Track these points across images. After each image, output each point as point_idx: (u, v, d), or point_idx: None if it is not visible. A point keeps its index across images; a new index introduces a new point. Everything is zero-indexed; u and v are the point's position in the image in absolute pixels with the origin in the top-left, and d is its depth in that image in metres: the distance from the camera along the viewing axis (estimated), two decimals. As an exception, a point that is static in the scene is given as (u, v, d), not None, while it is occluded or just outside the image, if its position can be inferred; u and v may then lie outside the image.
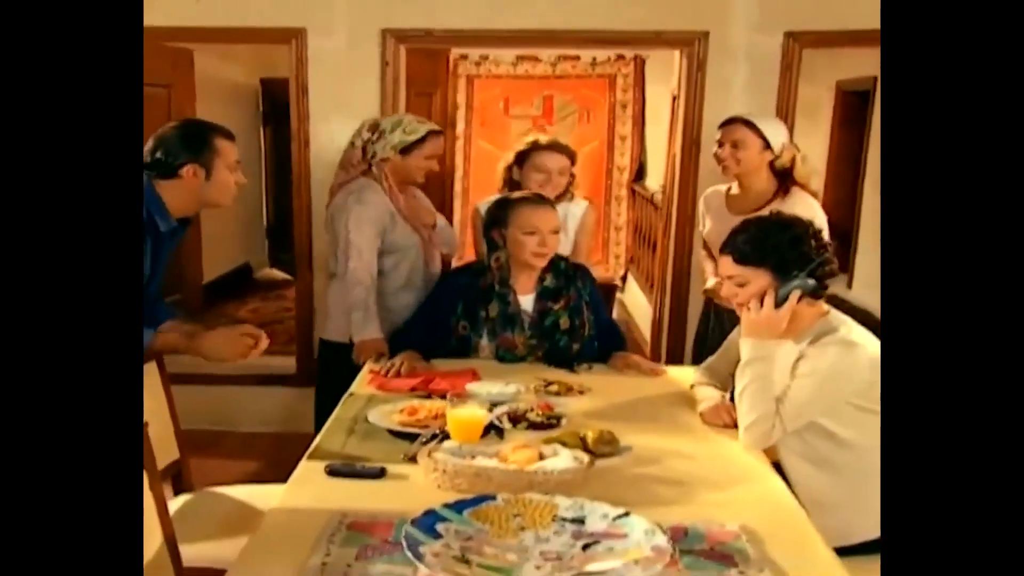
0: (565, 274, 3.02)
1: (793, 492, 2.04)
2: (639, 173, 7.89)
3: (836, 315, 2.34)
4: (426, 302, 3.16)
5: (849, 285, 7.06)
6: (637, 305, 6.69)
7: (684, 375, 2.82)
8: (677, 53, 4.63)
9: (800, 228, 2.30)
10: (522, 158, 3.51)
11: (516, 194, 3.15)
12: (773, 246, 2.25)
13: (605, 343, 3.05)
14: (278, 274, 7.54)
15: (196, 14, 4.21)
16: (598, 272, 7.57)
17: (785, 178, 3.29)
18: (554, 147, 3.52)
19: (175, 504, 2.52)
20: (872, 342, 2.24)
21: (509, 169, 3.57)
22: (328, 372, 3.36)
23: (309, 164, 4.28)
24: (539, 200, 3.03)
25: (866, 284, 6.87)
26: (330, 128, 4.17)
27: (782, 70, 4.11)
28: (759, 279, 2.26)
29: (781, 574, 1.59)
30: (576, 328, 2.97)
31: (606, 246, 8.01)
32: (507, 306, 2.97)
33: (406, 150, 3.22)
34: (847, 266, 7.07)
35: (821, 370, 2.20)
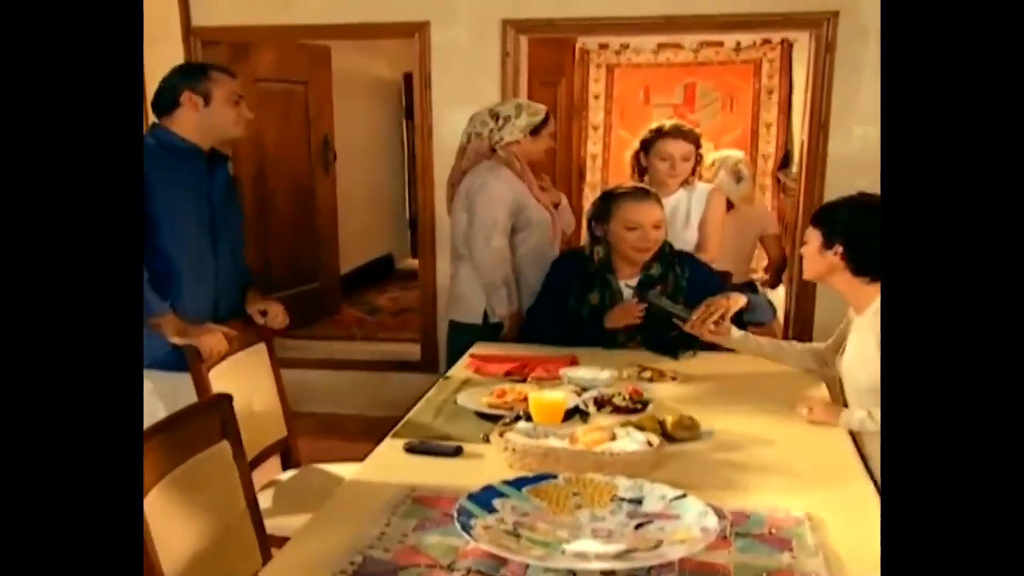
0: (667, 261, 3.00)
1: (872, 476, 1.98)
2: (785, 160, 7.66)
3: None
4: (542, 292, 3.19)
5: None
6: (775, 295, 6.50)
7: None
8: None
9: None
10: (647, 145, 3.57)
11: (621, 187, 3.16)
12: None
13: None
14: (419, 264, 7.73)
15: (326, 12, 4.38)
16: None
17: None
18: (677, 133, 3.54)
19: (280, 478, 2.65)
20: None
21: (636, 156, 3.64)
22: (460, 354, 3.41)
23: (432, 154, 4.38)
24: (642, 194, 3.04)
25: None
26: (453, 119, 4.23)
27: (916, 49, 3.92)
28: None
29: (835, 559, 1.55)
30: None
31: (749, 237, 7.82)
32: (608, 294, 3.00)
33: (535, 131, 3.30)
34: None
35: None
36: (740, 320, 2.81)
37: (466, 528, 1.54)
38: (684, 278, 2.99)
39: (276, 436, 2.67)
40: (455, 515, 1.58)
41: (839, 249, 2.31)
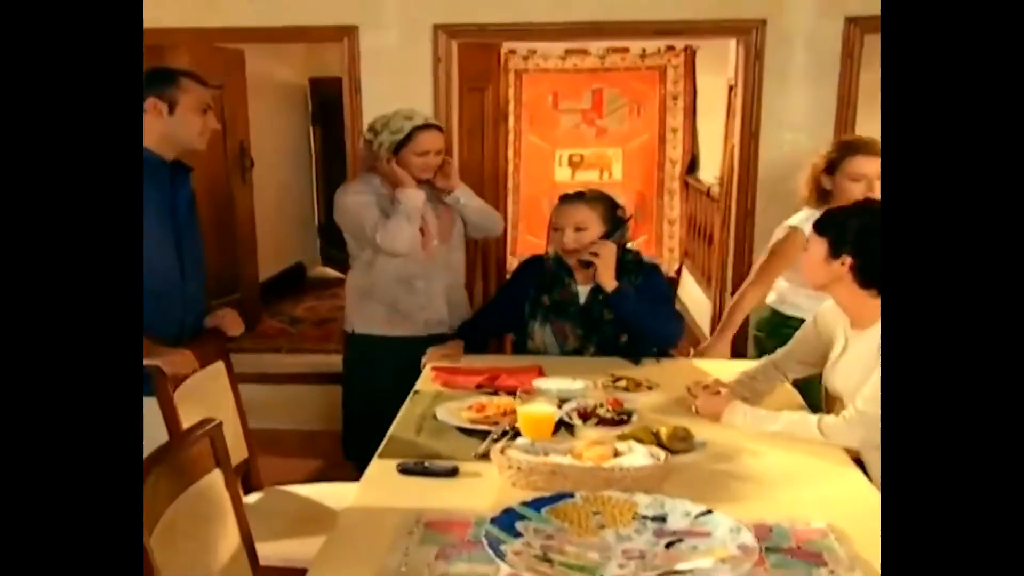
0: (625, 267, 2.99)
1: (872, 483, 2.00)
2: (691, 165, 7.80)
3: None
4: (502, 287, 3.25)
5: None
6: (693, 299, 6.61)
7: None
8: (733, 42, 4.55)
9: None
10: (834, 164, 3.07)
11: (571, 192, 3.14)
12: None
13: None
14: (331, 272, 7.57)
15: (249, 14, 4.22)
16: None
17: None
18: (871, 149, 3.02)
19: (246, 502, 2.52)
20: None
21: (817, 177, 3.13)
22: (355, 366, 3.40)
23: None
24: (569, 198, 3.04)
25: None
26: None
27: (843, 57, 4.01)
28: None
29: (873, 574, 1.54)
30: (628, 323, 2.94)
31: (659, 240, 7.94)
32: (562, 295, 3.01)
33: (396, 149, 3.16)
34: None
35: None
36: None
37: (500, 556, 1.49)
38: (634, 285, 2.97)
39: (238, 457, 2.54)
40: (483, 541, 1.52)
41: (847, 260, 2.25)
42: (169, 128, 2.44)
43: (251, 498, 2.55)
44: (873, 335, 2.25)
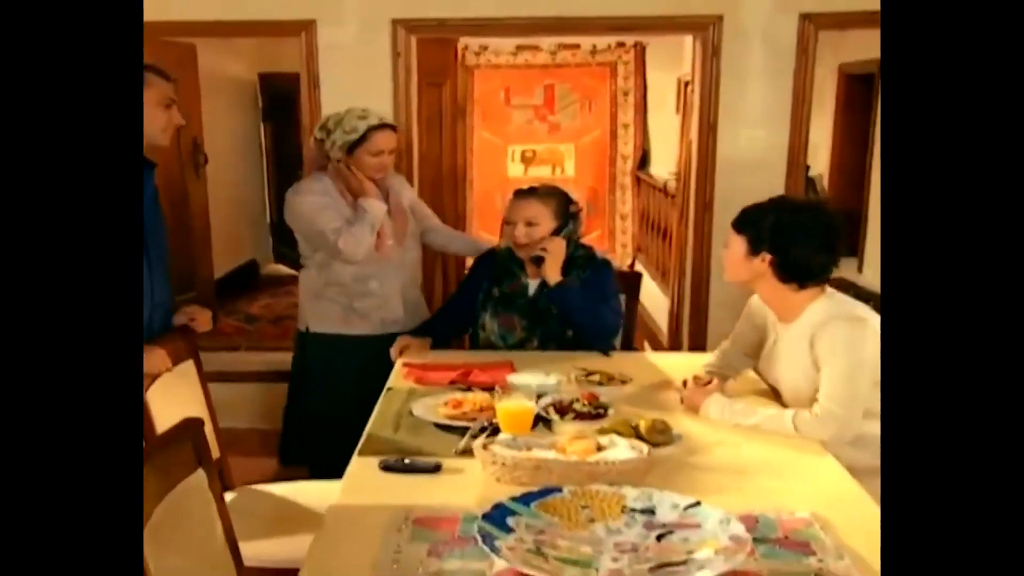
0: (575, 262, 3.02)
1: None
2: (643, 161, 7.87)
3: (835, 295, 2.39)
4: (460, 283, 3.27)
5: (859, 269, 7.08)
6: (648, 294, 6.64)
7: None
8: (684, 39, 4.59)
9: None
10: None
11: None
12: None
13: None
14: (283, 269, 7.50)
15: (202, 8, 4.15)
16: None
17: None
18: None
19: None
20: (875, 317, 2.30)
21: None
22: (307, 364, 3.37)
23: (323, 157, 4.24)
24: (522, 192, 3.06)
25: (877, 267, 6.88)
26: (343, 121, 4.12)
27: (798, 53, 4.07)
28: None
29: (861, 561, 1.57)
30: (566, 318, 2.97)
31: (612, 235, 7.99)
32: (512, 287, 3.05)
33: (351, 149, 3.12)
34: (856, 250, 7.10)
35: (841, 350, 2.23)
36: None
37: (496, 552, 1.50)
38: (580, 280, 2.98)
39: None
40: (479, 539, 1.52)
41: (767, 256, 2.33)
42: None
43: (226, 498, 2.51)
44: (799, 328, 2.35)
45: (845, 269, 6.95)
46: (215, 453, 2.53)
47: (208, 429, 2.45)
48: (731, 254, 2.42)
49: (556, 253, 2.93)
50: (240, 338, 5.70)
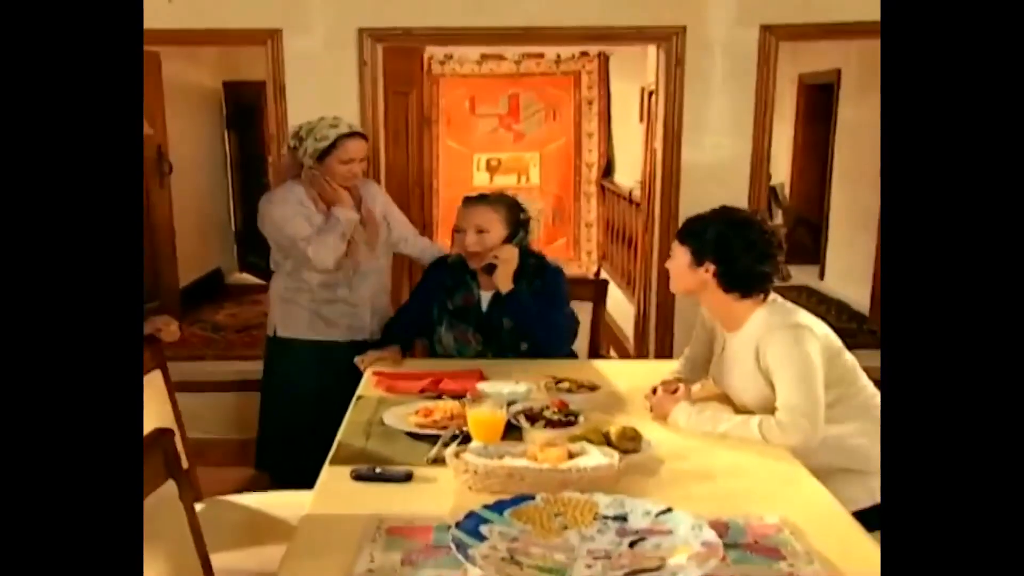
0: (526, 270, 2.99)
1: None
2: (607, 169, 7.92)
3: (776, 303, 2.43)
4: (412, 291, 3.22)
5: (821, 276, 7.18)
6: (614, 302, 6.67)
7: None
8: (648, 48, 4.63)
9: None
10: None
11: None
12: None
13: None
14: (248, 278, 7.45)
15: (167, 16, 4.13)
16: (570, 269, 7.64)
17: None
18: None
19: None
20: (816, 323, 2.37)
21: None
22: (274, 368, 3.41)
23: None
24: (472, 200, 3.05)
25: (838, 275, 6.99)
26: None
27: (759, 63, 4.13)
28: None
29: (830, 566, 1.60)
30: (519, 327, 2.97)
31: (577, 243, 8.03)
32: (465, 300, 3.03)
33: (321, 157, 3.15)
34: (818, 257, 7.19)
35: (788, 359, 2.28)
36: None
37: (470, 560, 1.50)
38: (531, 288, 2.97)
39: (177, 469, 2.50)
40: (453, 548, 1.52)
41: (710, 267, 2.37)
42: None
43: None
44: (743, 336, 2.40)
45: (807, 276, 7.09)
46: (183, 464, 2.52)
47: (176, 440, 2.46)
48: (676, 264, 2.46)
49: (508, 261, 2.92)
50: (206, 347, 5.65)
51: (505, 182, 7.86)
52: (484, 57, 7.84)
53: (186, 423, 3.17)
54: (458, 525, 1.61)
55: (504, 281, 2.91)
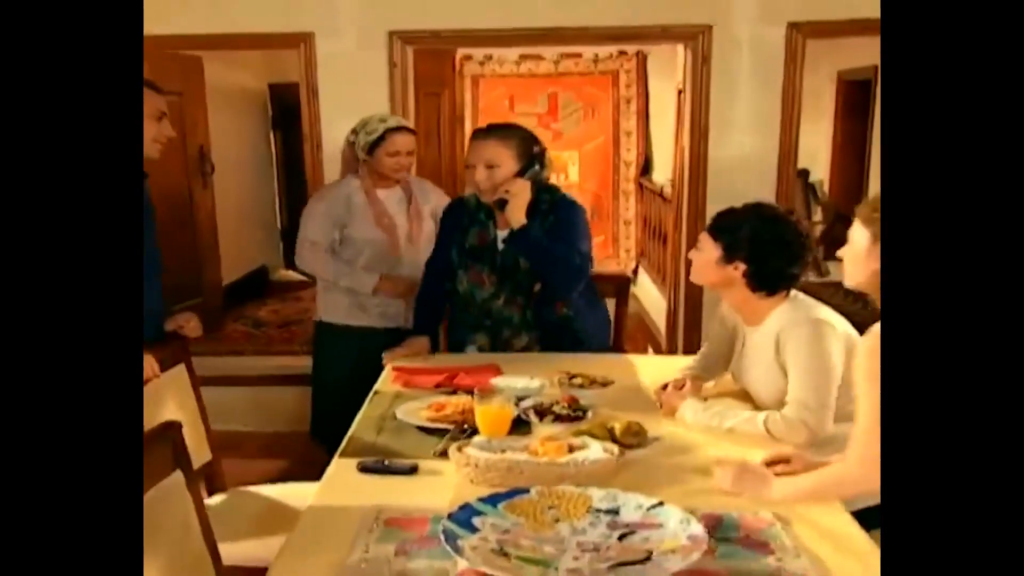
0: (540, 206, 2.89)
1: None
2: (645, 167, 7.93)
3: (799, 298, 2.41)
4: (437, 239, 3.15)
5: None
6: (650, 298, 6.71)
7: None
8: (680, 47, 4.65)
9: None
10: None
11: None
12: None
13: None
14: (294, 275, 7.57)
15: (206, 22, 4.25)
16: (608, 266, 7.66)
17: None
18: None
19: (209, 503, 2.56)
20: (838, 319, 2.34)
21: None
22: (319, 352, 3.64)
23: (322, 165, 4.32)
24: (476, 133, 2.97)
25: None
26: (342, 130, 4.16)
27: (786, 61, 4.14)
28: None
29: (818, 561, 1.62)
30: (530, 265, 2.88)
31: (615, 241, 8.05)
32: (480, 239, 2.96)
33: (371, 149, 3.33)
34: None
35: (806, 353, 2.27)
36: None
37: (457, 551, 1.54)
38: (545, 226, 2.87)
39: (200, 459, 2.58)
40: (442, 538, 1.56)
41: (740, 265, 2.35)
42: None
43: (214, 499, 2.60)
44: (764, 331, 2.39)
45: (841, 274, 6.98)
46: (207, 456, 2.61)
47: (199, 433, 2.55)
48: (703, 257, 2.43)
49: (519, 195, 2.78)
50: (246, 343, 5.79)
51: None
52: (523, 57, 7.89)
53: (224, 416, 3.29)
54: (450, 516, 1.66)
55: (517, 216, 2.78)
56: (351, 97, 4.24)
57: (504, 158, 2.82)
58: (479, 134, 2.93)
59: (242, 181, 7.25)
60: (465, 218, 3.00)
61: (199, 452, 2.60)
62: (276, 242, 8.13)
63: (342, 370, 3.40)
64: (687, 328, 4.33)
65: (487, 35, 4.30)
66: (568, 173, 8.08)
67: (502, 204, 2.81)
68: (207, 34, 4.32)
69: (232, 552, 2.10)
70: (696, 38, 4.17)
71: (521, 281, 2.91)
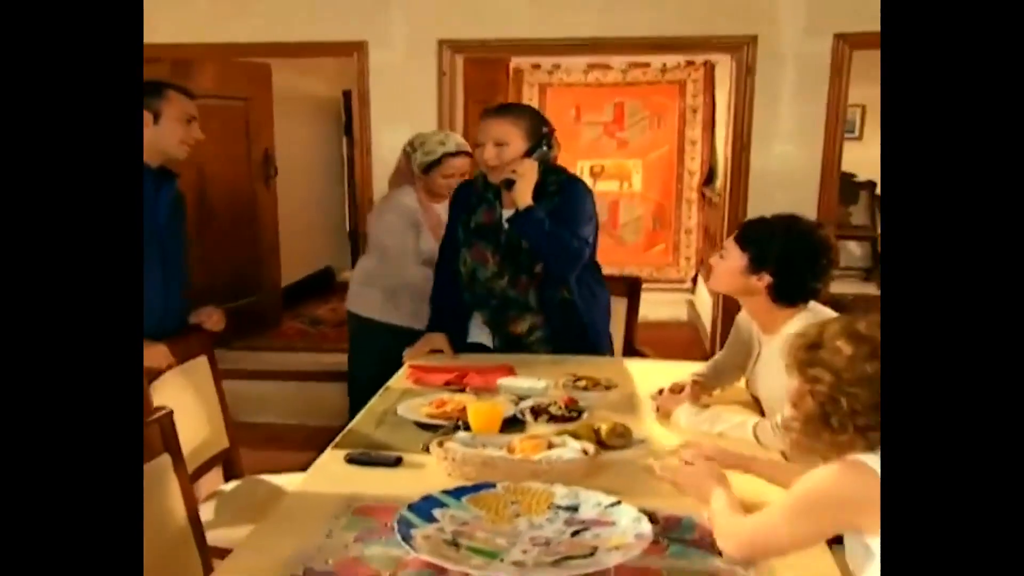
0: (546, 187, 2.88)
1: None
2: (709, 176, 7.90)
3: (816, 308, 2.39)
4: (448, 221, 3.17)
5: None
6: (707, 307, 6.68)
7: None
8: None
9: None
10: None
11: None
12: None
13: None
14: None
15: (267, 30, 4.43)
16: (668, 273, 7.63)
17: None
18: None
19: (222, 489, 2.72)
20: None
21: None
22: (352, 343, 3.75)
23: (371, 170, 4.45)
24: (486, 112, 2.98)
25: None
26: (391, 136, 4.31)
27: (832, 73, 4.11)
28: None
29: (764, 564, 1.63)
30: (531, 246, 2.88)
31: (676, 248, 8.04)
32: (485, 217, 2.98)
33: (427, 169, 3.42)
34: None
35: None
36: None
37: (406, 539, 1.58)
38: (550, 207, 2.85)
39: (218, 447, 2.72)
40: (395, 525, 1.61)
41: (766, 277, 2.33)
42: (154, 137, 2.61)
43: (228, 485, 2.73)
44: (779, 340, 2.31)
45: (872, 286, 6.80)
46: (224, 443, 2.74)
47: (218, 421, 2.68)
48: (727, 265, 2.41)
49: (526, 175, 2.78)
50: (300, 340, 5.98)
51: (607, 188, 7.98)
52: (591, 67, 7.95)
53: (271, 409, 3.41)
54: (410, 507, 1.71)
55: (523, 197, 2.78)
56: (401, 105, 4.37)
57: (513, 137, 2.83)
58: (488, 113, 2.95)
59: (309, 184, 7.46)
60: (473, 197, 3.03)
61: (217, 440, 2.73)
62: (344, 243, 8.32)
63: (372, 366, 3.41)
64: (723, 334, 4.31)
65: (533, 44, 4.38)
66: (632, 181, 8.10)
67: (509, 184, 2.81)
68: (268, 42, 4.51)
69: (231, 536, 2.19)
70: (740, 49, 4.18)
71: (523, 261, 2.92)
